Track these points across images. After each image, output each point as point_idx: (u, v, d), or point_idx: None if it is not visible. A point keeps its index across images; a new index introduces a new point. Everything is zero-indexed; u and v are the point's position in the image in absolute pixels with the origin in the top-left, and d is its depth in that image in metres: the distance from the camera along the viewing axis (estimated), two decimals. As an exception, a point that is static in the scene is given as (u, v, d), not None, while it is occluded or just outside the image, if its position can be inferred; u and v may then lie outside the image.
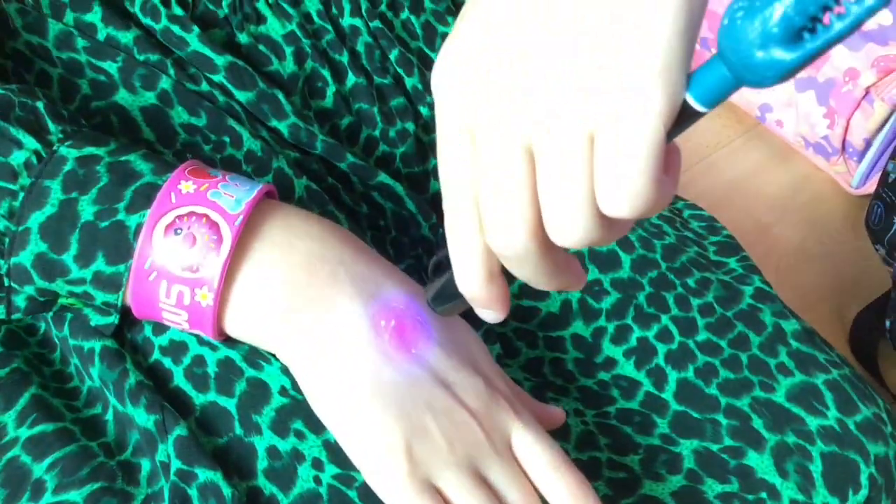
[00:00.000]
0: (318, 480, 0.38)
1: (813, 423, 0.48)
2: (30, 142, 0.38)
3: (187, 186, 0.38)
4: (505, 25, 0.31)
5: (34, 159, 0.38)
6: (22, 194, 0.37)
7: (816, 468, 0.47)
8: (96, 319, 0.41)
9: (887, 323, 0.72)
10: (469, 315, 0.38)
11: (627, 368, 0.50)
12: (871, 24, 0.84)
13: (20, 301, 0.40)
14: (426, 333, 0.40)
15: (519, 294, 0.51)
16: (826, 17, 0.25)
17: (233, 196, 0.38)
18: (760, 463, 0.48)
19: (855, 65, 0.87)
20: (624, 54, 0.28)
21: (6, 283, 0.39)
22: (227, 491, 0.37)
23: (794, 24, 0.26)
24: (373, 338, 0.39)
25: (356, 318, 0.39)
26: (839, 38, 0.25)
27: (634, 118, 0.28)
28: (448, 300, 0.38)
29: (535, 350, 0.52)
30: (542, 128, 0.30)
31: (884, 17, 0.82)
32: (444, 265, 0.37)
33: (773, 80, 0.27)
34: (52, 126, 0.39)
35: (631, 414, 0.50)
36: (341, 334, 0.39)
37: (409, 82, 0.53)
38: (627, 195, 0.29)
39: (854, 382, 0.51)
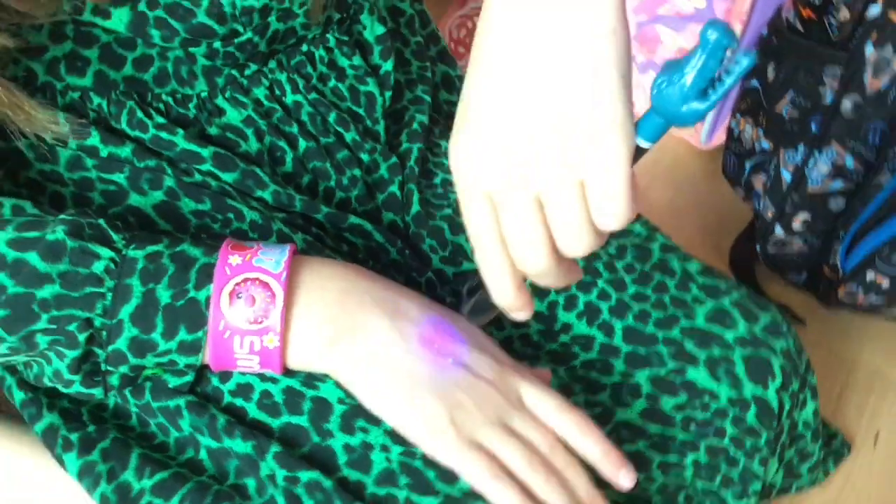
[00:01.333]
0: (388, 460, 0.49)
1: (730, 335, 0.62)
2: (105, 252, 0.47)
3: (235, 259, 0.48)
4: (500, 119, 0.44)
5: (111, 265, 0.47)
6: (110, 295, 0.46)
7: (740, 369, 0.61)
8: (174, 382, 0.50)
9: (758, 247, 0.87)
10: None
11: (581, 328, 0.63)
12: (689, 9, 1.00)
13: (114, 380, 0.48)
14: (442, 332, 0.51)
15: None
16: (719, 77, 0.40)
17: (272, 259, 0.48)
18: (698, 375, 0.61)
19: (682, 44, 1.03)
20: (593, 125, 0.43)
21: (103, 368, 0.48)
22: (327, 483, 0.47)
23: (700, 86, 0.41)
24: (401, 343, 0.49)
25: (386, 332, 0.49)
26: (732, 87, 0.41)
27: (610, 165, 0.43)
28: (482, 312, 0.53)
29: (503, 332, 0.63)
30: (546, 185, 0.44)
31: (699, 2, 0.98)
32: (475, 288, 0.52)
33: (693, 122, 0.42)
34: (115, 236, 0.48)
35: (593, 362, 0.62)
36: (377, 348, 0.49)
37: (349, 137, 0.63)
38: (616, 215, 0.44)
39: (751, 297, 0.65)
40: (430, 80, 0.69)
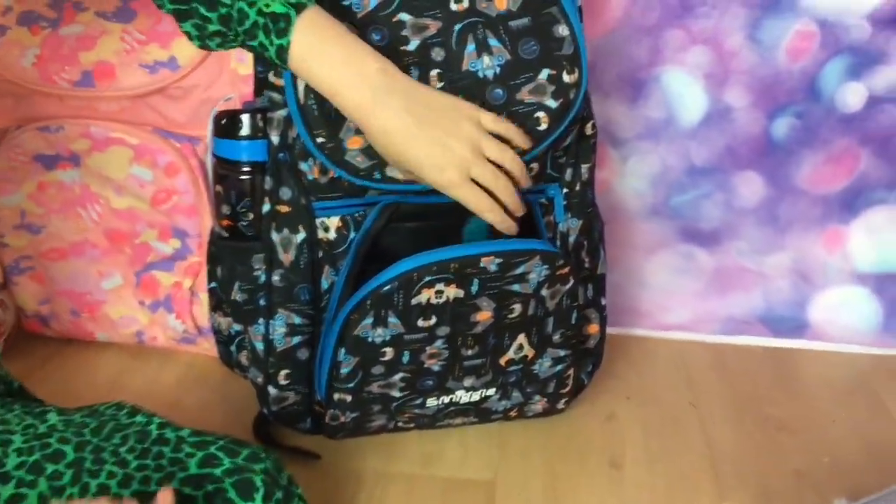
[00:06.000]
0: None
1: (218, 471, 0.78)
2: None
3: None
4: None
5: None
6: None
7: (232, 493, 0.76)
8: None
9: (265, 411, 1.06)
10: None
11: None
12: (169, 250, 1.20)
13: None
14: None
15: None
16: None
17: None
18: None
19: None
20: None
21: None
22: None
23: None
24: None
25: None
26: None
27: None
28: None
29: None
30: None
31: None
32: None
33: None
34: None
35: None
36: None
37: None
38: None
39: (234, 441, 0.82)
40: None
